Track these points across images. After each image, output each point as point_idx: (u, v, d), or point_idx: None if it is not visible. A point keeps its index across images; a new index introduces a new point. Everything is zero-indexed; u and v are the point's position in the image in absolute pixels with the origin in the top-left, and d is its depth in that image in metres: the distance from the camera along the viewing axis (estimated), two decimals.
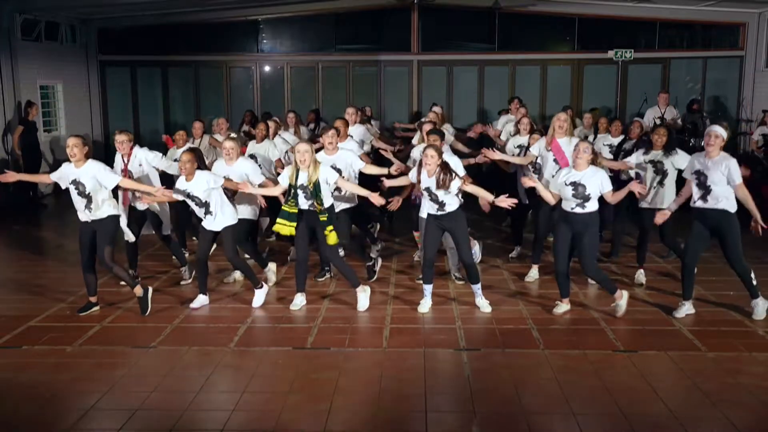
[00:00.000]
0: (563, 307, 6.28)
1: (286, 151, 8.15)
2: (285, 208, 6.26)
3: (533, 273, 7.33)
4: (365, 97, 14.66)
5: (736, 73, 14.76)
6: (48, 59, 13.60)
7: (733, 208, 5.88)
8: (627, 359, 5.24)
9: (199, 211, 6.38)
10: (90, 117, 15.17)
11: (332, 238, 6.23)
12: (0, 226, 10.45)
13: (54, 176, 6.21)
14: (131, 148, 6.96)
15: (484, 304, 6.34)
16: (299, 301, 6.43)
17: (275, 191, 6.54)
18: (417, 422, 4.30)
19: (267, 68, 15.60)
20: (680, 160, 6.74)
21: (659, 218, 6.23)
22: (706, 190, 5.88)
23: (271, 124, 8.49)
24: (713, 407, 4.47)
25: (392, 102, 15.34)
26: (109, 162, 6.87)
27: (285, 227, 6.24)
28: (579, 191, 5.92)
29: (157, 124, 15.31)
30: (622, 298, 6.16)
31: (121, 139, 6.91)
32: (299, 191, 6.22)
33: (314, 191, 6.15)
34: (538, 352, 5.41)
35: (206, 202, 6.28)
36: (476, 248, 7.85)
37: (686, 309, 6.17)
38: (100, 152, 14.44)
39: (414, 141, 8.18)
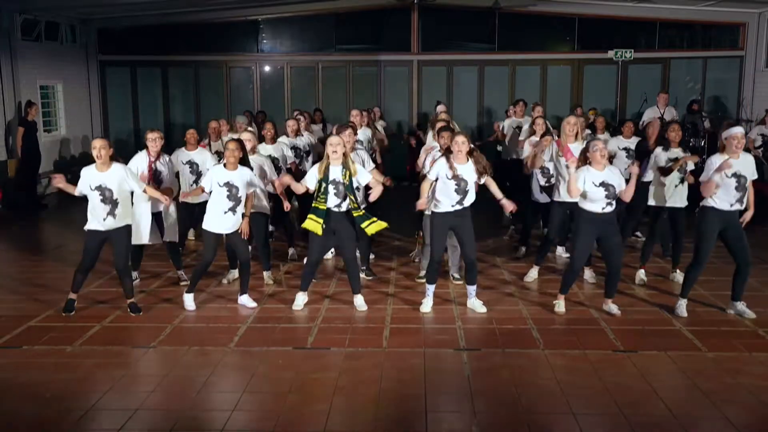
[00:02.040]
0: (563, 303, 6.29)
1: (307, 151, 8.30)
2: (315, 204, 6.13)
3: (533, 273, 7.32)
4: (365, 97, 14.65)
5: (736, 73, 14.75)
6: (48, 59, 13.59)
7: None
8: (627, 359, 5.24)
9: (226, 205, 6.11)
10: (90, 117, 15.15)
11: (372, 228, 6.12)
12: (0, 226, 10.44)
13: (80, 188, 6.02)
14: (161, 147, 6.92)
15: (478, 305, 6.33)
16: (301, 300, 6.42)
17: (297, 189, 6.33)
18: (417, 422, 4.30)
19: (267, 68, 15.59)
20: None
21: None
22: (744, 192, 5.82)
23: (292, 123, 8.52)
24: (713, 407, 4.47)
25: (392, 102, 15.33)
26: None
27: (314, 223, 6.07)
28: (611, 191, 5.91)
29: (157, 124, 15.21)
30: (608, 305, 6.23)
31: (153, 137, 6.84)
32: (330, 187, 6.07)
33: (349, 186, 6.07)
34: (538, 352, 5.41)
35: (239, 197, 6.13)
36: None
37: (685, 306, 6.19)
38: None
39: (428, 141, 8.13)
